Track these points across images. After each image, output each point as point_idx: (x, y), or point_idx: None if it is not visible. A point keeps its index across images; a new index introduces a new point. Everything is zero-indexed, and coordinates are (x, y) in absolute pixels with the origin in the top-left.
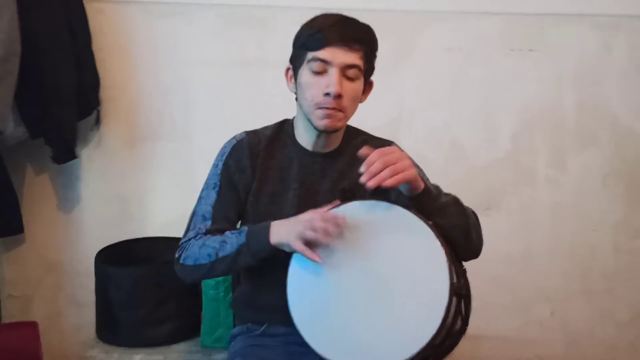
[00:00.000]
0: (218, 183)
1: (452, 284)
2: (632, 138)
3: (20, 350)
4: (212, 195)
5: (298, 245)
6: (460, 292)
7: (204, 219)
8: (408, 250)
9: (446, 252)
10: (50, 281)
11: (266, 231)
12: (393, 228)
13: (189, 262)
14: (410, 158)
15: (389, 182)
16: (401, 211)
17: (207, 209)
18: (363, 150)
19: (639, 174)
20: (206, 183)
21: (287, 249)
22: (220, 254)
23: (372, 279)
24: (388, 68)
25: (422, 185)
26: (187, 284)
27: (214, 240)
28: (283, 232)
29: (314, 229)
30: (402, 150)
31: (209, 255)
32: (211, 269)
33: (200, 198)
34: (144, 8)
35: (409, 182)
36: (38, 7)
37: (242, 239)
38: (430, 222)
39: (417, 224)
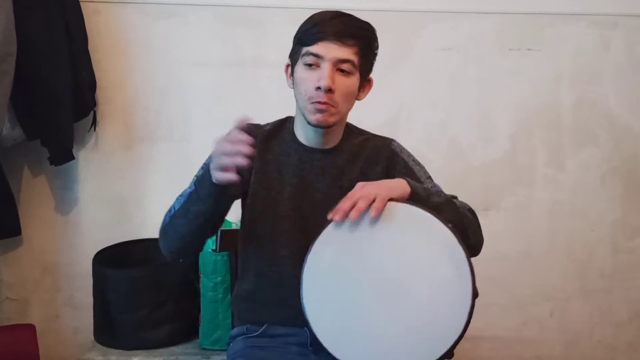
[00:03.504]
0: (207, 162)
1: (474, 289)
2: (630, 136)
3: (17, 353)
4: (200, 172)
5: (217, 176)
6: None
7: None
8: (428, 253)
9: (468, 257)
10: (47, 283)
11: (209, 174)
12: (412, 230)
13: (160, 228)
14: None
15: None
16: (420, 212)
17: (191, 185)
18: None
19: (637, 172)
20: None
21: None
22: (176, 206)
23: (390, 282)
24: (386, 68)
25: (408, 191)
26: (170, 257)
27: (175, 200)
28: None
29: (225, 154)
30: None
31: (169, 211)
32: (171, 225)
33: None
34: (141, 9)
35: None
36: (34, 8)
37: (192, 186)
38: (450, 225)
39: (437, 227)
